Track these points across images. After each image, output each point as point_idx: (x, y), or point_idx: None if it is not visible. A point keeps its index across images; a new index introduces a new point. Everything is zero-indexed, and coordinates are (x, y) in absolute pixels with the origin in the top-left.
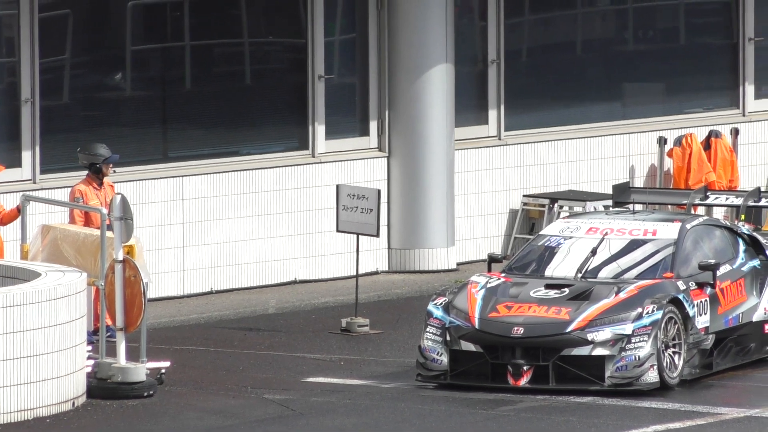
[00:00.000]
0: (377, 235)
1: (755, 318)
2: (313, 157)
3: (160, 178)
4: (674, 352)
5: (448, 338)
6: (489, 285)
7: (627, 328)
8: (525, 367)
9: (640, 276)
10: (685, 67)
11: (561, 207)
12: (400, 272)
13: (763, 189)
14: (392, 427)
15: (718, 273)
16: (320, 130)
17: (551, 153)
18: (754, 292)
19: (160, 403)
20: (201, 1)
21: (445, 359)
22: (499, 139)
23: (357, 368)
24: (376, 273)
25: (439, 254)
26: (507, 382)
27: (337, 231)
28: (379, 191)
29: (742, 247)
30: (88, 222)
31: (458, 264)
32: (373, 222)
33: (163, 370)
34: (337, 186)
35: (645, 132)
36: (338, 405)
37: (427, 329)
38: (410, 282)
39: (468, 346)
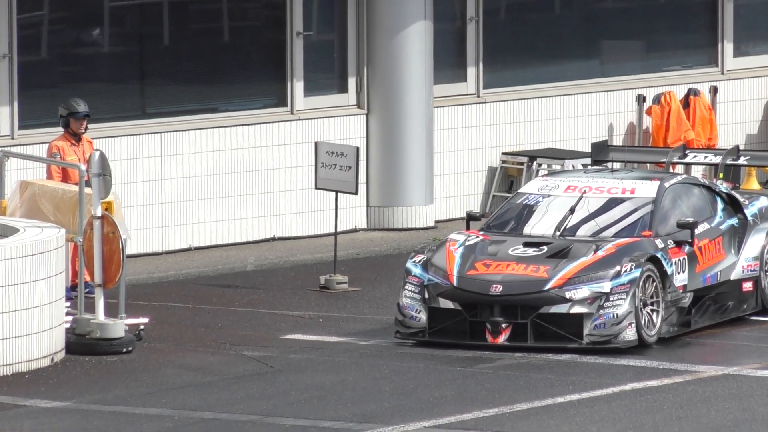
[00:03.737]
0: (356, 193)
1: (733, 276)
2: (292, 114)
3: (139, 134)
4: (652, 310)
5: (426, 296)
6: (467, 243)
7: (605, 286)
8: (503, 325)
9: (619, 234)
10: (665, 24)
11: (540, 165)
12: (378, 230)
13: (741, 147)
14: (371, 384)
15: (697, 231)
16: (299, 86)
17: (530, 111)
18: (732, 251)
19: (139, 360)
20: None
21: (423, 317)
22: (478, 96)
23: (335, 325)
24: (354, 230)
25: (418, 212)
26: (485, 340)
27: (316, 188)
28: (357, 149)
29: (720, 205)
30: (65, 178)
31: (437, 222)
32: (351, 179)
33: (142, 327)
34: (316, 143)
35: (624, 90)
36: (317, 362)
37: (406, 287)
38: (389, 239)
39: (446, 303)
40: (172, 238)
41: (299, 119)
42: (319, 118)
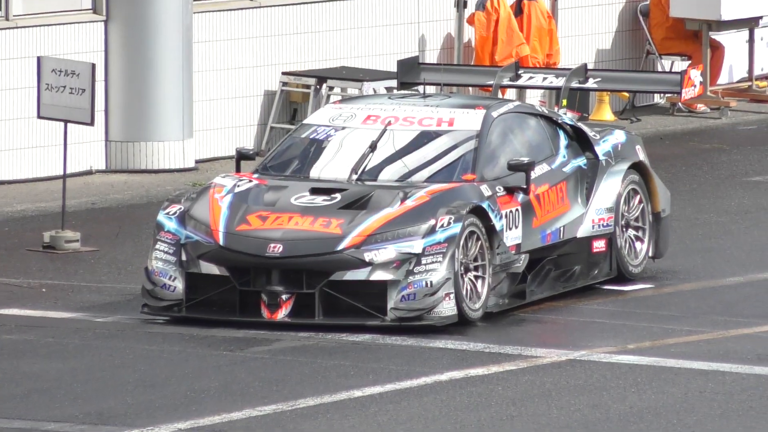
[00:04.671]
0: (91, 124)
1: (581, 233)
2: (7, 20)
3: None
4: (477, 277)
5: (183, 258)
6: (238, 189)
7: (416, 246)
8: (284, 296)
9: (433, 178)
10: None
11: (331, 88)
12: (121, 172)
13: (590, 66)
14: (109, 373)
15: (533, 174)
16: None
17: (318, 18)
18: (579, 200)
19: None
20: None
21: (179, 285)
22: (252, 0)
23: (64, 297)
24: (89, 172)
25: (173, 149)
26: (261, 315)
27: (39, 117)
28: (93, 66)
29: (563, 141)
30: None
31: (197, 162)
32: (86, 106)
33: None
34: (39, 58)
35: None
36: (38, 345)
37: (157, 246)
38: (134, 184)
39: (210, 268)
40: None
41: (17, 27)
42: (44, 25)
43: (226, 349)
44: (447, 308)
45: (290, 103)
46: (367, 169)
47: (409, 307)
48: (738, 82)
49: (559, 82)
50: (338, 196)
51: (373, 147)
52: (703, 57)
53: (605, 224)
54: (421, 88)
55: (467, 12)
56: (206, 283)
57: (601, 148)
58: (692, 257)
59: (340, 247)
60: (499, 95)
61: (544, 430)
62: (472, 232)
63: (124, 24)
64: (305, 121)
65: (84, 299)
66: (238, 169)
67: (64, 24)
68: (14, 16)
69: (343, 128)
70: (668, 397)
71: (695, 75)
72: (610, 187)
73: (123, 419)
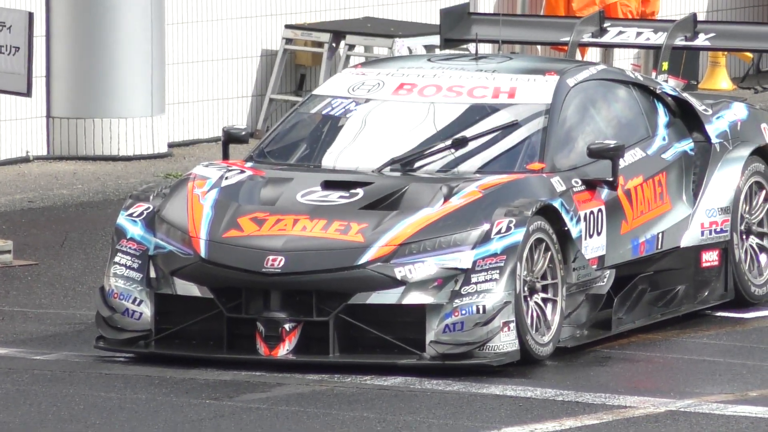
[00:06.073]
0: (28, 94)
1: (686, 242)
2: None
3: None
4: (546, 300)
5: (152, 275)
6: (225, 182)
7: (464, 259)
8: (287, 326)
9: (487, 168)
10: None
11: (351, 47)
12: (68, 159)
13: (701, 17)
14: (51, 429)
15: (623, 163)
16: None
17: None
18: (684, 197)
19: None
20: None
21: (147, 311)
22: None
23: None
24: (26, 160)
25: (138, 128)
26: (256, 352)
27: None
28: (31, 15)
29: (663, 118)
30: None
31: (171, 145)
32: (20, 70)
33: None
34: None
35: None
36: None
37: (117, 259)
38: (85, 175)
39: (188, 288)
40: None
41: None
42: None
43: (209, 397)
44: (506, 342)
45: (296, 67)
46: (398, 156)
47: (454, 341)
48: None
49: (659, 38)
50: (360, 192)
51: (407, 126)
52: None
53: (719, 230)
54: (472, 46)
55: None
56: (183, 308)
57: (715, 128)
58: None
59: (363, 260)
60: (578, 56)
61: None
62: (539, 241)
63: None
64: (316, 92)
65: (18, 330)
66: (225, 156)
67: None
68: None
69: (368, 101)
70: None
71: None
72: (726, 180)
73: None
